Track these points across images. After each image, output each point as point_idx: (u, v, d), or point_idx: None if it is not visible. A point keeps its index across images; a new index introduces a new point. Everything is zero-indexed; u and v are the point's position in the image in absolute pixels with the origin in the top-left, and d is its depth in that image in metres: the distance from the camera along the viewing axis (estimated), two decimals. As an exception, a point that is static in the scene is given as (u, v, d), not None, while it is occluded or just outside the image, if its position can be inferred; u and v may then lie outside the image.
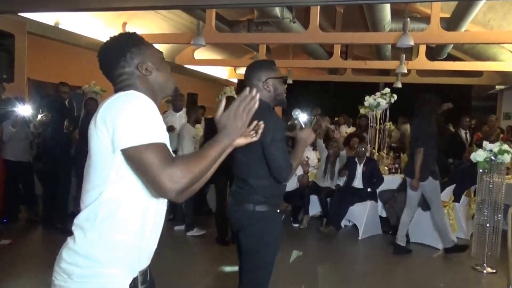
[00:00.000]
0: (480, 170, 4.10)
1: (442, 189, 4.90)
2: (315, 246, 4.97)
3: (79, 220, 1.21)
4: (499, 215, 4.07)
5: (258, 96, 1.20)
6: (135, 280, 1.24)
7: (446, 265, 4.37)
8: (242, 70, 14.44)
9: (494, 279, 4.02)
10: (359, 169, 5.24)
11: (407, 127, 7.97)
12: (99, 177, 1.19)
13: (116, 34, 1.35)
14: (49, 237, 4.54)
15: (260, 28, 8.61)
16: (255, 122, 1.38)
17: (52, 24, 6.82)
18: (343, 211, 5.07)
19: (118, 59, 1.28)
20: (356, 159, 5.27)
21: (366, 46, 11.52)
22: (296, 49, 13.08)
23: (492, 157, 4.00)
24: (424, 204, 4.78)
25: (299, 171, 5.63)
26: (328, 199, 5.22)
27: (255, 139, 1.38)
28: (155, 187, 1.12)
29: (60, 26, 6.93)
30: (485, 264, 4.09)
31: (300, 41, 8.68)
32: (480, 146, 4.19)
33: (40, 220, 5.05)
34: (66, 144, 4.92)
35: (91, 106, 5.00)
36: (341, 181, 5.57)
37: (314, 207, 5.49)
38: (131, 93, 1.20)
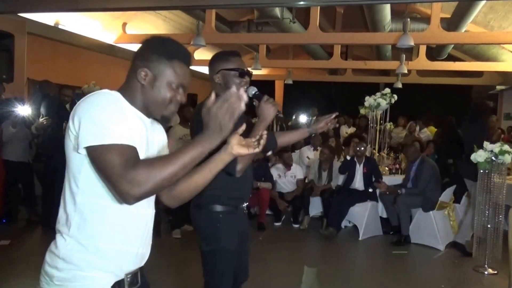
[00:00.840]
0: (481, 171, 4.08)
1: (443, 190, 4.90)
2: (316, 247, 4.95)
3: (58, 224, 1.19)
4: (500, 216, 4.06)
5: (244, 97, 1.11)
6: (120, 283, 1.21)
7: (447, 266, 4.36)
8: (242, 71, 14.43)
9: (495, 280, 4.00)
10: (359, 170, 5.22)
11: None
12: (72, 179, 1.17)
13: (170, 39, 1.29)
14: (48, 238, 4.45)
15: (260, 28, 8.60)
16: (263, 134, 1.28)
17: (52, 24, 6.81)
18: (343, 212, 5.06)
19: (136, 56, 1.25)
20: (355, 159, 5.26)
21: (366, 47, 11.51)
22: (296, 49, 13.06)
23: (493, 158, 3.99)
24: (425, 205, 4.78)
25: (299, 174, 5.62)
26: (330, 199, 5.20)
27: (257, 150, 1.26)
28: (114, 190, 1.07)
29: (60, 27, 6.92)
30: (486, 265, 4.07)
31: (300, 41, 8.68)
32: (480, 146, 4.18)
33: (40, 221, 5.04)
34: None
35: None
36: (341, 181, 5.56)
37: (315, 208, 5.48)
38: (103, 92, 1.16)
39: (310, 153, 6.32)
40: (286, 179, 5.61)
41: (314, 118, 8.71)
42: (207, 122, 1.10)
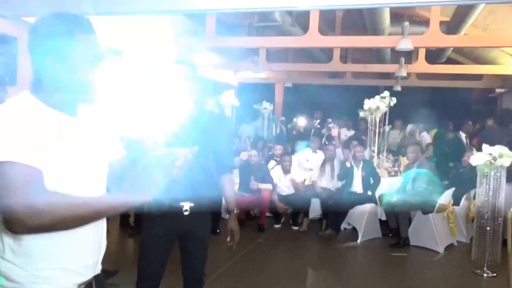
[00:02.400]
0: (480, 174, 4.10)
1: (442, 192, 4.92)
2: (315, 249, 4.97)
3: None
4: (499, 219, 4.07)
5: (187, 161, 1.10)
6: None
7: (446, 269, 4.37)
8: (242, 74, 14.49)
9: (494, 283, 4.01)
10: (358, 174, 5.24)
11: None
12: None
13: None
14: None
15: (260, 32, 8.64)
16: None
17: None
18: (342, 214, 5.08)
19: (32, 46, 1.10)
20: (352, 163, 5.28)
21: (365, 50, 11.55)
22: (296, 52, 13.12)
23: (492, 161, 4.00)
24: (424, 208, 4.80)
25: (299, 177, 5.64)
26: (329, 202, 5.22)
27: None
28: (4, 215, 0.94)
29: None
30: (485, 268, 4.08)
31: (300, 45, 8.69)
32: (479, 149, 4.20)
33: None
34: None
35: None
36: (340, 184, 5.59)
37: (314, 210, 5.49)
38: (12, 99, 1.05)
39: (309, 156, 6.34)
40: (285, 182, 5.62)
41: (319, 121, 8.72)
42: (142, 178, 1.07)
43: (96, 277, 1.26)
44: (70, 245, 1.14)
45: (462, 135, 6.96)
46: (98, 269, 1.27)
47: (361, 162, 5.26)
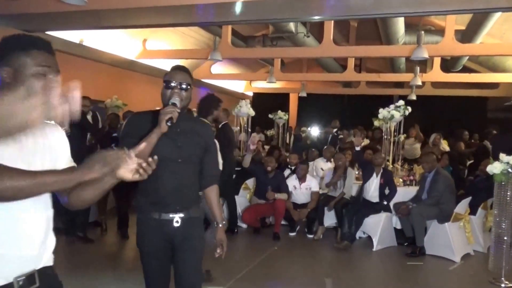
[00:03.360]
0: (497, 183, 4.09)
1: (458, 201, 4.90)
2: (330, 257, 4.98)
3: None
4: (517, 228, 4.03)
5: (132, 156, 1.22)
6: (8, 286, 1.18)
7: (462, 278, 4.34)
8: (257, 84, 14.65)
9: (512, 292, 3.97)
10: (376, 180, 5.25)
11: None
12: None
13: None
14: (70, 245, 4.69)
15: (274, 43, 8.78)
16: (151, 160, 1.29)
17: (77, 41, 7.12)
18: (358, 224, 5.09)
19: None
20: (373, 169, 5.30)
21: (380, 59, 11.57)
22: (310, 62, 13.21)
23: (509, 169, 3.99)
24: (440, 217, 4.78)
25: (315, 187, 5.67)
26: (343, 210, 5.24)
27: (141, 177, 1.28)
28: None
29: (84, 44, 7.23)
30: (502, 278, 4.04)
31: (314, 55, 8.81)
32: (496, 158, 4.18)
33: (64, 229, 5.21)
34: (88, 156, 5.09)
35: (113, 120, 5.18)
36: (354, 192, 5.60)
37: (329, 219, 5.52)
38: None
39: (324, 165, 6.38)
40: (300, 191, 5.67)
41: (336, 130, 8.75)
42: (95, 156, 1.19)
43: (41, 272, 1.25)
44: (6, 229, 1.16)
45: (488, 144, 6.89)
46: (43, 263, 1.27)
47: (381, 170, 5.29)
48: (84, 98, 5.42)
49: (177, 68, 2.02)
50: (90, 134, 5.02)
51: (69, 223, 5.10)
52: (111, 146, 4.46)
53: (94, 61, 7.66)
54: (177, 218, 1.99)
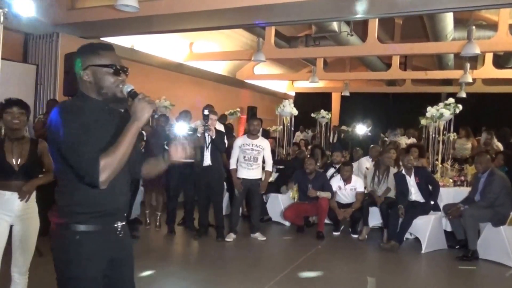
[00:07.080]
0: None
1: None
2: (376, 258, 4.91)
3: None
4: None
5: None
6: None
7: (519, 284, 4.14)
8: (300, 84, 14.65)
9: None
10: (411, 181, 5.14)
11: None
12: None
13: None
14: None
15: (317, 42, 8.76)
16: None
17: (129, 46, 7.51)
18: (405, 225, 4.97)
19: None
20: (404, 172, 5.19)
21: (426, 56, 11.21)
22: (353, 61, 13.04)
23: None
24: (495, 219, 4.58)
25: (360, 187, 5.61)
26: (389, 211, 5.15)
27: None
28: None
29: (135, 48, 7.62)
30: None
31: (358, 54, 8.71)
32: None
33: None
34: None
35: (161, 121, 5.41)
36: (392, 193, 5.49)
37: (375, 219, 5.45)
38: None
39: (368, 164, 6.30)
40: (346, 191, 5.63)
41: (370, 128, 8.62)
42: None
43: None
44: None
45: None
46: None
47: (413, 170, 5.16)
48: None
49: (111, 49, 1.65)
50: (139, 134, 5.28)
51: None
52: (163, 143, 4.68)
53: (144, 64, 8.04)
54: (120, 227, 1.65)
